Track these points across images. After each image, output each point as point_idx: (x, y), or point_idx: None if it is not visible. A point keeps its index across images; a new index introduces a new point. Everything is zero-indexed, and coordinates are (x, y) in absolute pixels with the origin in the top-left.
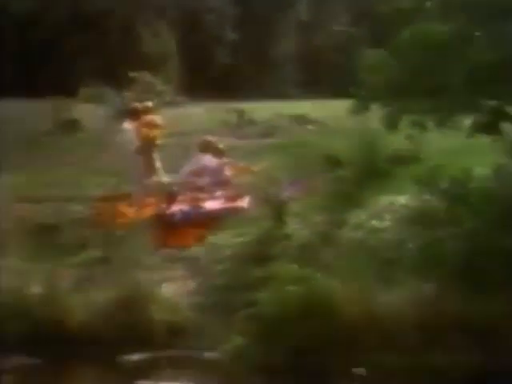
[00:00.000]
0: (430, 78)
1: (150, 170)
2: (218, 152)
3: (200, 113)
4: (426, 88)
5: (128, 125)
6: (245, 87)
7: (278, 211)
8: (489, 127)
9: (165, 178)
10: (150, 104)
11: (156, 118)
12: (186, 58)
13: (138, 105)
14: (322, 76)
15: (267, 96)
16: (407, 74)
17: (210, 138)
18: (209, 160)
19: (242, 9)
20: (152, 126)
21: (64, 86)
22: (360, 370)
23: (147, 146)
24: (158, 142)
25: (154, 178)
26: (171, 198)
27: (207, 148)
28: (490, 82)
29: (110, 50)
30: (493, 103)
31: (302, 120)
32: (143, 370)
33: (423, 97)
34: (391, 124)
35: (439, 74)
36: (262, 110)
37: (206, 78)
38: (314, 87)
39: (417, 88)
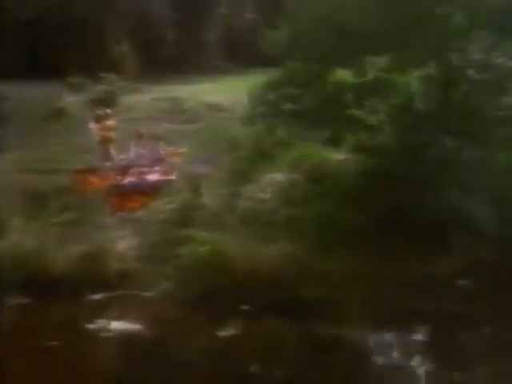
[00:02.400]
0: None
1: (107, 155)
2: (155, 137)
3: (145, 101)
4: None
5: (92, 125)
6: (186, 65)
7: (195, 185)
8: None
9: (118, 159)
10: (108, 111)
11: (111, 123)
12: (137, 51)
13: (100, 112)
14: (240, 52)
15: (203, 70)
16: None
17: (142, 129)
18: (149, 145)
19: (177, 10)
20: (109, 129)
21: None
22: (246, 307)
23: (105, 142)
24: (112, 137)
25: (110, 161)
26: (123, 172)
27: (141, 137)
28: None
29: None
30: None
31: (216, 108)
32: (102, 306)
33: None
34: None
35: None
36: (191, 97)
37: (156, 65)
38: (235, 60)
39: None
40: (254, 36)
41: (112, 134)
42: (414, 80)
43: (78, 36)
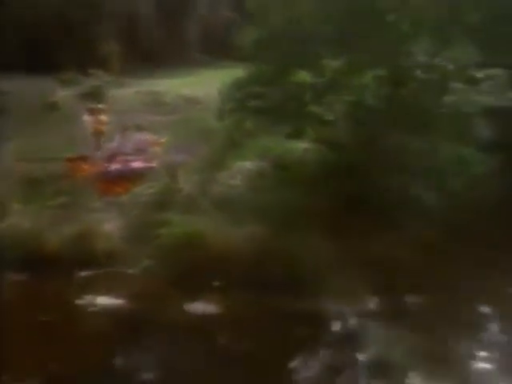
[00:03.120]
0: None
1: (97, 145)
2: (138, 128)
3: (130, 94)
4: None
5: (86, 117)
6: (168, 60)
7: (173, 171)
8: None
9: (105, 148)
10: (101, 106)
11: (104, 118)
12: (123, 48)
13: (93, 106)
14: (218, 47)
15: (184, 64)
16: None
17: (126, 121)
18: (133, 135)
19: (160, 10)
20: (101, 123)
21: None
22: (219, 283)
23: (97, 134)
24: (104, 130)
25: (99, 150)
26: (109, 160)
27: (126, 128)
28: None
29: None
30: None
31: (193, 101)
32: (90, 282)
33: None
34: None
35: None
36: (171, 91)
37: (140, 61)
38: (213, 54)
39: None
40: (230, 32)
41: (104, 128)
42: (366, 80)
43: (70, 36)
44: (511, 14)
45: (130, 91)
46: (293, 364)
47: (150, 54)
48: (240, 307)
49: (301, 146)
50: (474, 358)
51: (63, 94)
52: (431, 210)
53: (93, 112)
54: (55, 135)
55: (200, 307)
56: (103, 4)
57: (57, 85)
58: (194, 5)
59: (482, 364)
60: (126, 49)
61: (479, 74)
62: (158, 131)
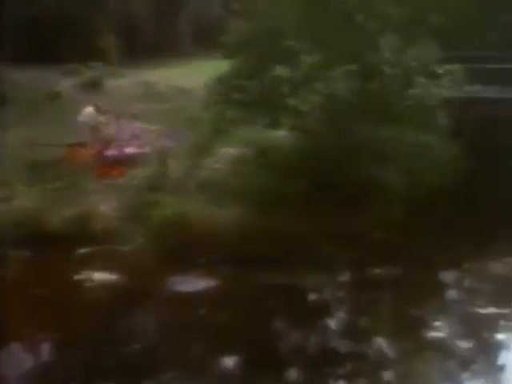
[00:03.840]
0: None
1: (96, 134)
2: (133, 116)
3: (126, 84)
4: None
5: (89, 109)
6: (163, 52)
7: (163, 157)
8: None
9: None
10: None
11: (106, 118)
12: (121, 41)
13: (100, 105)
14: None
15: (177, 55)
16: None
17: (122, 109)
18: (128, 123)
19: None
20: (103, 123)
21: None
22: (205, 259)
23: (97, 128)
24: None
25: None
26: (106, 146)
27: (120, 116)
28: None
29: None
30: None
31: (183, 90)
32: (87, 259)
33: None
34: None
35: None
36: (163, 81)
37: (136, 53)
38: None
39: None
40: (219, 27)
41: (103, 125)
42: (338, 74)
43: (72, 30)
44: (469, 14)
45: (126, 81)
46: (272, 329)
47: (145, 47)
48: (223, 280)
49: (278, 134)
50: (432, 322)
51: (65, 84)
52: (397, 190)
53: (99, 110)
54: (57, 122)
55: (187, 280)
56: (103, 1)
57: (60, 75)
58: (187, 1)
59: (439, 328)
60: (123, 42)
61: (440, 70)
62: (151, 119)
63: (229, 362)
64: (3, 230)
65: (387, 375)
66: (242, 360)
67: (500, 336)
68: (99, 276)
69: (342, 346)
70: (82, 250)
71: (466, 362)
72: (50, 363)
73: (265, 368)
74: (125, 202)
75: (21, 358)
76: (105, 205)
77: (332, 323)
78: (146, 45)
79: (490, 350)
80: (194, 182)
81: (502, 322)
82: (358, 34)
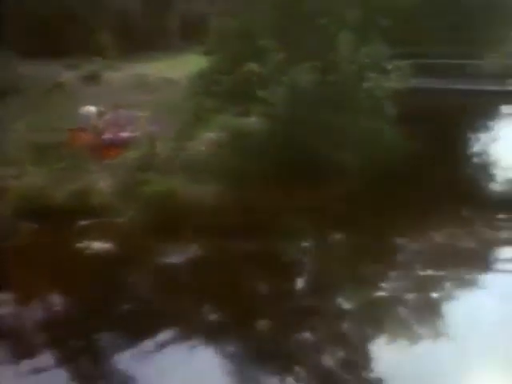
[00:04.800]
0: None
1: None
2: (126, 104)
3: (121, 77)
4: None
5: (90, 108)
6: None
7: (152, 140)
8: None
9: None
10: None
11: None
12: (117, 38)
13: (103, 110)
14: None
15: (167, 49)
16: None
17: (117, 98)
18: (122, 109)
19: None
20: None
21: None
22: (189, 229)
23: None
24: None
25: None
26: (103, 130)
27: (116, 105)
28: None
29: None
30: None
31: (170, 82)
32: (87, 230)
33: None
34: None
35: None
36: (153, 73)
37: (131, 48)
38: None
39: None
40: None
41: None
42: (301, 70)
43: (73, 28)
44: (416, 14)
45: (121, 74)
46: (247, 287)
47: (138, 43)
48: (202, 245)
49: (250, 121)
50: (380, 281)
51: (68, 77)
52: (351, 169)
53: (100, 114)
54: (60, 110)
55: (173, 247)
56: (101, 1)
57: (62, 69)
58: (176, 1)
59: (386, 285)
60: (118, 39)
61: (389, 65)
62: (142, 107)
63: (213, 314)
64: (14, 204)
65: (344, 324)
66: (223, 312)
67: (436, 293)
68: (97, 244)
69: (307, 300)
70: (82, 222)
71: (408, 313)
72: (57, 314)
73: (244, 318)
74: (119, 180)
75: (33, 310)
76: (102, 182)
77: (298, 282)
78: (139, 41)
79: (427, 303)
80: (178, 162)
81: (438, 282)
82: (318, 34)
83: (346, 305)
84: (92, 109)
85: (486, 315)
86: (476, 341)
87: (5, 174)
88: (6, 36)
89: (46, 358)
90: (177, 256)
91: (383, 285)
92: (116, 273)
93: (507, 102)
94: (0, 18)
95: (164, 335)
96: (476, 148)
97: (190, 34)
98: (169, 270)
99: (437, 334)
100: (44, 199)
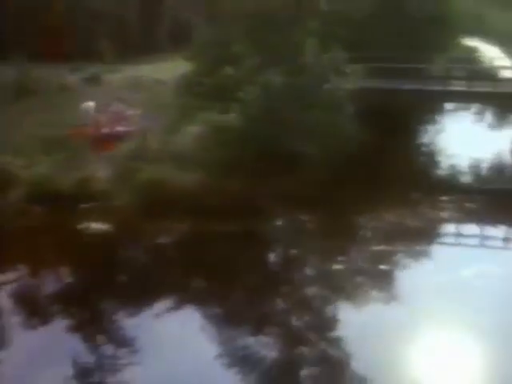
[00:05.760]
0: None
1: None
2: (122, 102)
3: (117, 78)
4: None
5: (90, 104)
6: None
7: (144, 134)
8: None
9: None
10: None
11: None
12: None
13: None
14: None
15: (158, 52)
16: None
17: (114, 97)
18: (118, 107)
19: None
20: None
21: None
22: (176, 212)
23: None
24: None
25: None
26: (101, 126)
27: (113, 103)
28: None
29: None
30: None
31: (160, 82)
32: (87, 212)
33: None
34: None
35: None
36: (145, 74)
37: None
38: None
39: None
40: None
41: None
42: (272, 73)
43: (76, 35)
44: (372, 24)
45: (118, 76)
46: (226, 263)
47: (133, 48)
48: (186, 225)
49: (228, 117)
50: (338, 254)
51: (72, 79)
52: (316, 158)
53: (99, 109)
54: (64, 108)
55: (162, 226)
56: (101, 12)
57: (67, 72)
58: (167, 10)
59: (343, 258)
60: (116, 44)
61: (347, 69)
62: (136, 105)
63: (197, 283)
64: (25, 190)
65: (310, 290)
66: (206, 282)
67: (388, 264)
68: (95, 225)
69: (278, 270)
70: (83, 206)
71: (365, 281)
72: (62, 284)
73: (224, 287)
74: (115, 169)
75: (41, 281)
76: (100, 171)
77: (270, 255)
78: (134, 46)
79: (381, 273)
80: (167, 153)
81: (390, 255)
82: (287, 42)
83: (311, 274)
84: (91, 104)
85: (431, 281)
86: (423, 303)
87: (17, 163)
88: (18, 42)
89: (56, 321)
90: (165, 234)
91: (343, 257)
92: (112, 248)
93: (449, 100)
94: (14, 28)
95: (156, 301)
96: (423, 139)
97: (178, 40)
98: (159, 246)
99: (389, 298)
100: (50, 186)
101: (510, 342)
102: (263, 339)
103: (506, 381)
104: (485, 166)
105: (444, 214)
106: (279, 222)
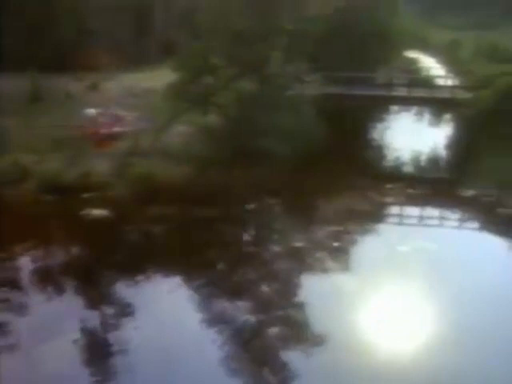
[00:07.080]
0: None
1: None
2: (119, 106)
3: (114, 86)
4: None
5: (91, 110)
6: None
7: (137, 134)
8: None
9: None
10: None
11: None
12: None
13: (103, 113)
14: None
15: (150, 62)
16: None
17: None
18: (116, 110)
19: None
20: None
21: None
22: (162, 199)
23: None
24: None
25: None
26: (101, 127)
27: (111, 107)
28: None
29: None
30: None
31: (151, 89)
32: (89, 201)
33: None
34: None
35: None
36: (137, 82)
37: (121, 63)
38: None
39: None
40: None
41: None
42: (245, 81)
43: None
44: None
45: (114, 84)
46: (207, 242)
47: (126, 59)
48: (174, 211)
49: (209, 119)
50: (305, 231)
51: (75, 87)
52: (282, 155)
53: (99, 114)
54: (69, 112)
55: (152, 211)
56: (97, 28)
57: (71, 80)
58: (156, 27)
59: (298, 238)
60: (113, 56)
61: (308, 78)
62: (130, 108)
63: (183, 259)
64: (37, 182)
65: (276, 263)
66: (190, 258)
67: (342, 241)
68: (96, 211)
69: (250, 247)
70: (85, 195)
71: (323, 255)
72: (66, 261)
73: (205, 262)
74: (113, 164)
75: (47, 258)
76: (100, 166)
77: (243, 234)
78: (128, 58)
79: (336, 248)
80: (156, 149)
81: (343, 233)
82: (256, 55)
83: (278, 250)
84: (92, 110)
85: (377, 255)
86: (370, 273)
87: (30, 160)
88: (30, 55)
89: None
90: (155, 218)
91: (305, 235)
92: (111, 230)
93: (393, 103)
94: (27, 42)
95: (149, 273)
96: (372, 135)
97: (166, 53)
98: (150, 228)
99: (343, 269)
100: (58, 178)
101: (438, 300)
102: (238, 304)
103: (434, 330)
104: (424, 158)
105: (389, 199)
106: (252, 206)
